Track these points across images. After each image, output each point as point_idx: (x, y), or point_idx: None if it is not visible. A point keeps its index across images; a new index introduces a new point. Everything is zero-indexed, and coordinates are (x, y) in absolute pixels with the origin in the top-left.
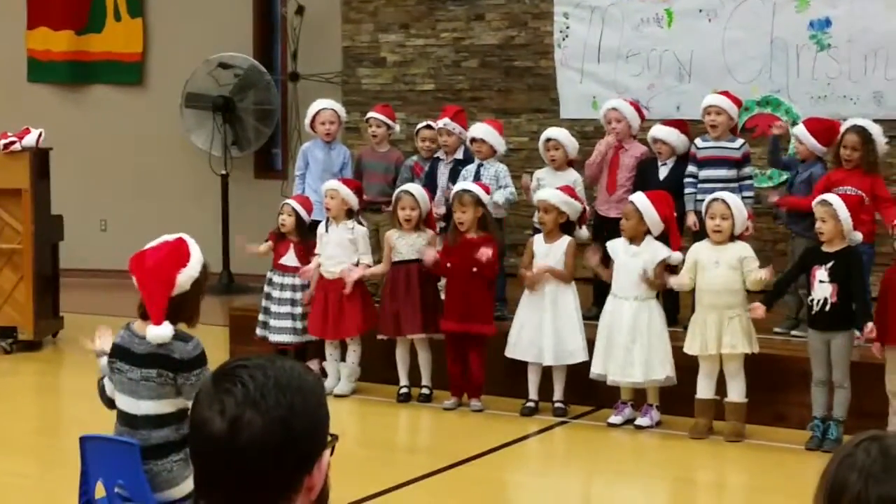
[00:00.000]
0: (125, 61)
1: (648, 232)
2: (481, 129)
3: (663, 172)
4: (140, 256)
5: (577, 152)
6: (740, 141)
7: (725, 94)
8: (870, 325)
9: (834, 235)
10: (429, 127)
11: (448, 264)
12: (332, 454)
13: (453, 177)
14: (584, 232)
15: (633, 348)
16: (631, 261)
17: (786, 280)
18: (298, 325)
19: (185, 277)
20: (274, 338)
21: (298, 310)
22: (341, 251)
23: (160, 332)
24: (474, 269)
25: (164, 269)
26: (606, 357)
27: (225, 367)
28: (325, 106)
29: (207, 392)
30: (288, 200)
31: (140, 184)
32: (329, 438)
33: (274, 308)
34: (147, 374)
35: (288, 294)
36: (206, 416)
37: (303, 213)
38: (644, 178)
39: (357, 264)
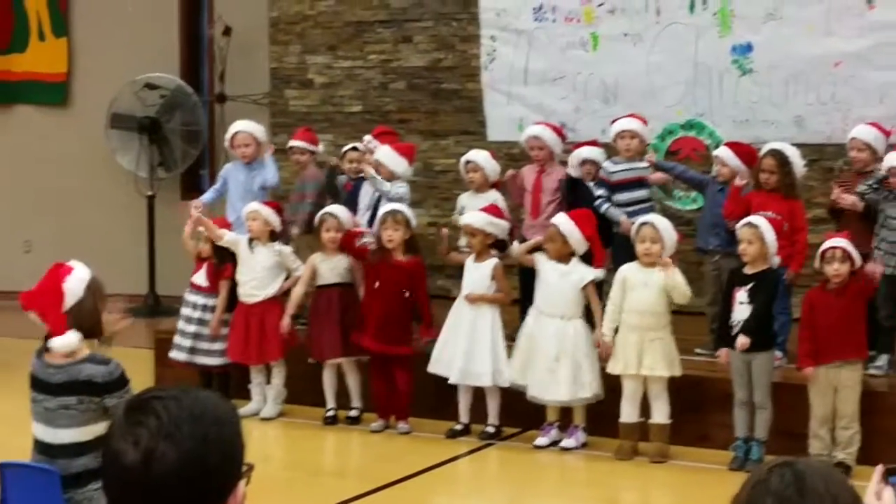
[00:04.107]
0: (49, 81)
1: (573, 252)
2: (380, 151)
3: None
4: (26, 294)
5: (498, 174)
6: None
7: (634, 116)
8: (778, 353)
9: (757, 258)
10: (355, 149)
11: (376, 284)
12: (247, 484)
13: (378, 196)
14: (516, 246)
15: (557, 367)
16: (559, 281)
17: (722, 313)
18: (186, 343)
19: (74, 281)
20: (171, 353)
21: (190, 328)
22: (267, 274)
23: (65, 341)
24: (406, 294)
25: (48, 283)
26: (528, 372)
27: (139, 398)
28: (239, 129)
29: (120, 424)
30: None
31: (65, 205)
32: (245, 468)
33: (179, 325)
34: (66, 403)
35: (187, 311)
36: (119, 448)
37: None
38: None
39: (287, 278)
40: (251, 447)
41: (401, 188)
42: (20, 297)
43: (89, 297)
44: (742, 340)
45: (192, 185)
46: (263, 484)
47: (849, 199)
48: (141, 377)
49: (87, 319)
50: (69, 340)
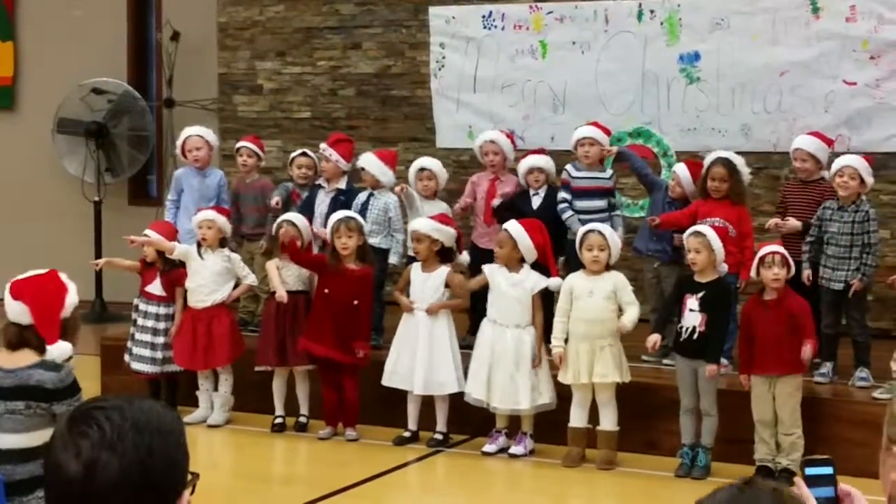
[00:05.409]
0: None
1: (523, 260)
2: (364, 159)
3: (536, 202)
4: (23, 283)
5: (447, 182)
6: (610, 171)
7: (595, 124)
8: (724, 361)
9: (706, 266)
10: (304, 154)
11: (326, 290)
12: (192, 493)
13: (334, 205)
14: (465, 257)
15: (517, 375)
16: (512, 290)
17: (666, 308)
18: (158, 354)
19: (73, 296)
20: (134, 365)
21: (160, 339)
22: (216, 279)
23: (63, 349)
24: (355, 303)
25: (52, 291)
26: (489, 384)
27: (81, 408)
28: (191, 133)
29: (62, 435)
30: (147, 230)
31: (11, 210)
32: (189, 477)
33: (137, 335)
34: (13, 407)
35: (150, 322)
36: (61, 459)
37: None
38: (518, 208)
39: (236, 286)
40: (198, 455)
41: (392, 205)
42: (12, 283)
43: (75, 313)
44: (711, 367)
45: (139, 191)
46: (210, 492)
47: (789, 225)
48: (87, 384)
49: (74, 332)
50: (66, 350)
